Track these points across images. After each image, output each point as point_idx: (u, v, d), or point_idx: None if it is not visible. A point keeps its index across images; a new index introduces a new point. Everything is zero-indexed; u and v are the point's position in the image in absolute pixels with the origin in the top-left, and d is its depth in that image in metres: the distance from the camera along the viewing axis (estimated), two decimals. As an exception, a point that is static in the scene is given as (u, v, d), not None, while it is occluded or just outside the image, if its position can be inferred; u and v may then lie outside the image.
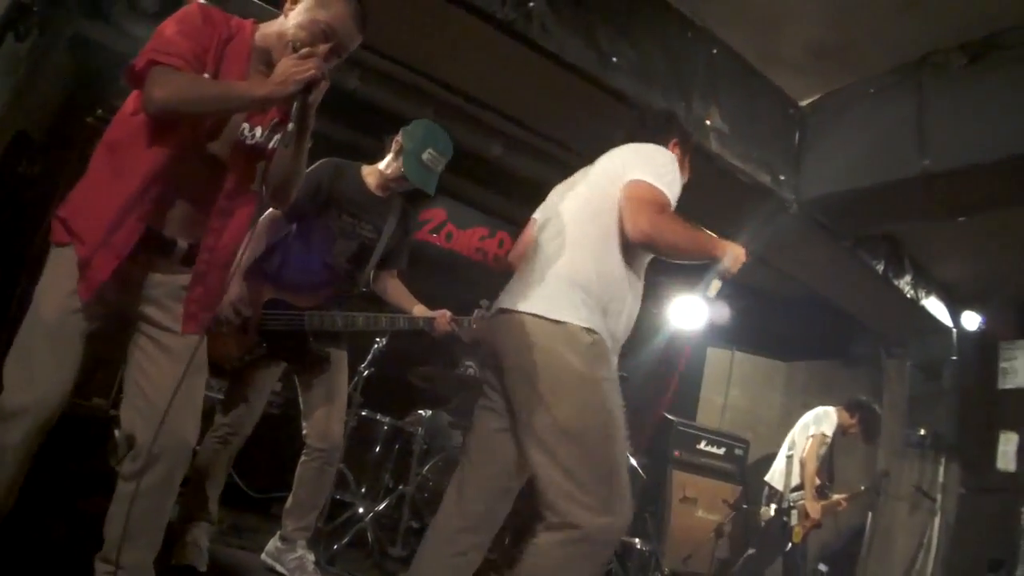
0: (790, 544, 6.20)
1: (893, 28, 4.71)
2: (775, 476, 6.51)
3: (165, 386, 2.40)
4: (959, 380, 7.41)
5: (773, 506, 6.39)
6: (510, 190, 7.35)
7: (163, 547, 2.56)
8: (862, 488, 7.00)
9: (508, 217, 8.15)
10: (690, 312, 6.74)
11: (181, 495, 3.40)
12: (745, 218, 5.45)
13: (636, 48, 4.63)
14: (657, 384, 7.80)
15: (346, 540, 4.75)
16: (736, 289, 7.05)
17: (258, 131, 2.56)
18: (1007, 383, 7.07)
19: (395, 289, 4.16)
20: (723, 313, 2.95)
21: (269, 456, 4.87)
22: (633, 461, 6.62)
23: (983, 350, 7.33)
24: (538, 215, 3.25)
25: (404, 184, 3.88)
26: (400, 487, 5.19)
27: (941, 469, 7.35)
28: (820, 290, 7.14)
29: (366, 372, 5.31)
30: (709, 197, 5.88)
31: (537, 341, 2.66)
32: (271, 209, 3.63)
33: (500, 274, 8.10)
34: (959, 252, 6.70)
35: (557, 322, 2.65)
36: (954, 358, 7.42)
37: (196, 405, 2.54)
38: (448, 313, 3.88)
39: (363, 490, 5.45)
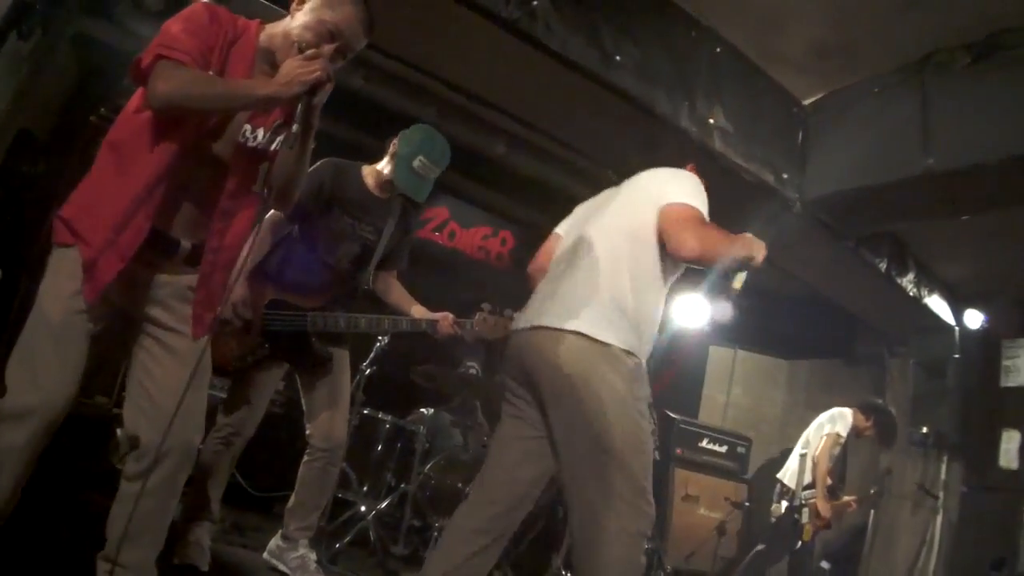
0: (800, 542, 6.20)
1: (896, 27, 4.70)
2: (788, 474, 6.51)
3: (170, 387, 2.40)
4: (962, 378, 7.41)
5: (784, 503, 6.39)
6: (513, 189, 7.35)
7: (165, 546, 2.56)
8: (872, 491, 7.01)
9: (511, 216, 8.15)
10: (693, 310, 6.74)
11: (184, 494, 3.40)
12: (748, 217, 5.43)
13: (639, 47, 4.63)
14: (658, 381, 7.80)
15: (348, 539, 4.75)
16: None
17: (260, 133, 2.55)
18: (1010, 381, 7.06)
19: (395, 290, 4.15)
20: (728, 309, 2.92)
21: (271, 455, 4.88)
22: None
23: (986, 348, 7.33)
24: (562, 231, 3.34)
25: (394, 189, 3.89)
26: (402, 486, 5.19)
27: (944, 467, 7.36)
28: (823, 289, 7.14)
29: (368, 371, 5.31)
30: (712, 196, 5.88)
31: (583, 361, 2.74)
32: (273, 210, 3.63)
33: (503, 273, 8.15)
34: (962, 251, 6.69)
35: (603, 343, 2.73)
36: (957, 356, 7.41)
37: (200, 406, 2.54)
38: (451, 316, 3.87)
39: (365, 489, 5.45)
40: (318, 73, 2.31)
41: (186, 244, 2.49)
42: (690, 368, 9.22)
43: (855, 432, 6.51)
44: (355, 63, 5.51)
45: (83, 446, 4.16)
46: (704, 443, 7.97)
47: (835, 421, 6.48)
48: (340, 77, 2.42)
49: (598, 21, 4.42)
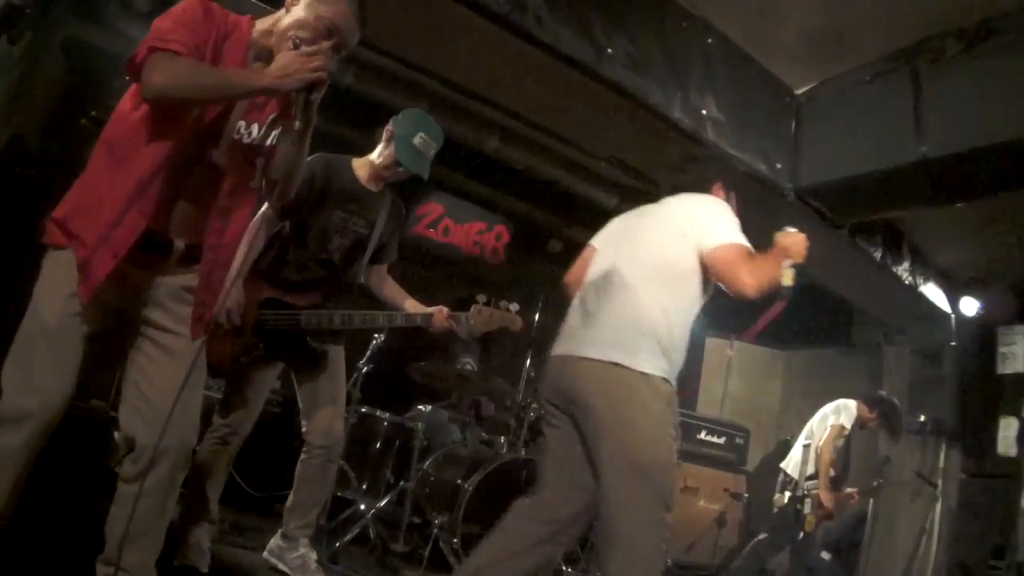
0: (802, 532, 6.21)
1: (888, 14, 4.70)
2: (791, 464, 6.50)
3: (166, 387, 2.40)
4: (959, 366, 7.42)
5: (787, 493, 6.39)
6: (507, 183, 7.35)
7: (165, 548, 2.55)
8: (875, 484, 7.01)
9: (506, 210, 8.15)
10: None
11: (181, 496, 3.39)
12: (742, 207, 5.44)
13: (631, 39, 4.62)
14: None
15: (348, 537, 4.75)
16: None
17: (255, 128, 2.54)
18: (1006, 368, 7.07)
19: (387, 284, 4.14)
20: (782, 305, 3.18)
21: (270, 455, 4.87)
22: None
23: (982, 335, 7.34)
24: (598, 244, 3.55)
25: (397, 171, 3.86)
26: (401, 483, 5.18)
27: (942, 455, 7.37)
28: (818, 278, 7.13)
29: (365, 368, 5.30)
30: (707, 186, 5.88)
31: (621, 390, 2.96)
32: (264, 208, 3.62)
33: (498, 268, 8.14)
34: (957, 238, 6.69)
35: (640, 372, 2.95)
36: (953, 344, 7.43)
37: (196, 405, 2.54)
38: (445, 309, 3.86)
39: (364, 487, 5.44)
40: (321, 71, 2.32)
41: (180, 244, 2.47)
42: (687, 360, 9.22)
43: (859, 424, 6.51)
44: (346, 60, 5.52)
45: (80, 449, 4.16)
46: (702, 435, 7.96)
47: (839, 413, 6.48)
48: (332, 75, 2.41)
49: (589, 13, 4.41)
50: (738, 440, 8.19)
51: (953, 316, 7.38)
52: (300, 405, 3.88)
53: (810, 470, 6.35)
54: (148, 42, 2.26)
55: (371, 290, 4.15)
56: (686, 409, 8.30)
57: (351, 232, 3.86)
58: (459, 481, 4.95)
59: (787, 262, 3.00)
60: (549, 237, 8.35)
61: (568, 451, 3.18)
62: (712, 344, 9.93)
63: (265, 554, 3.94)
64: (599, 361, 3.01)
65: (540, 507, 3.21)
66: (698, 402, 9.62)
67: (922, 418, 7.38)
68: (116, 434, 2.44)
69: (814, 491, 6.21)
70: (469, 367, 6.00)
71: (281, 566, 3.85)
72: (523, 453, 5.44)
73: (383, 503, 5.10)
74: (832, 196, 5.48)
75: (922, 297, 6.98)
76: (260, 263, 3.73)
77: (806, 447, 6.46)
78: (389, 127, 3.87)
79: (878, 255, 6.35)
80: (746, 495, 7.66)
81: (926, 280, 6.99)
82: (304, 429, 3.87)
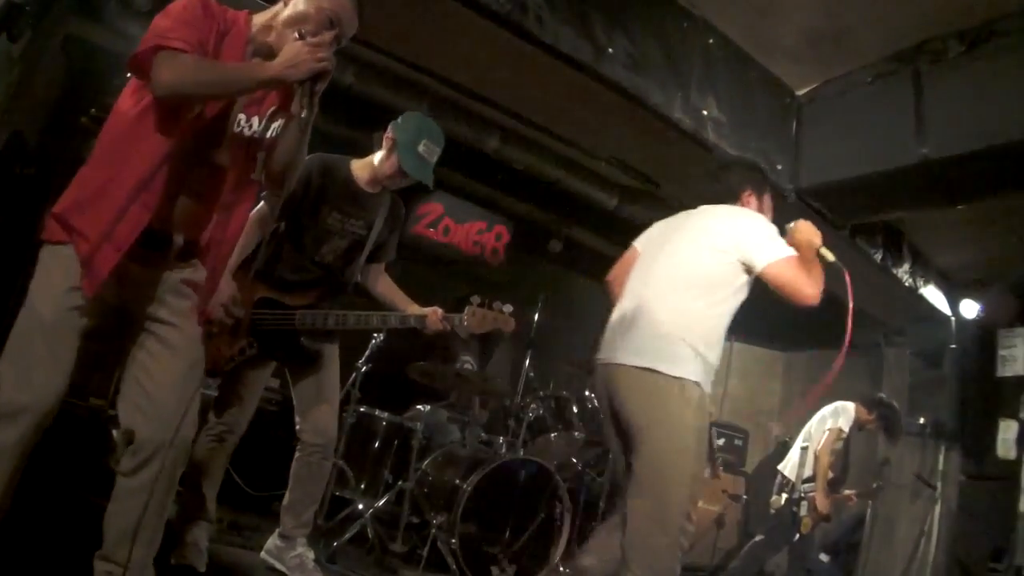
0: (798, 534, 6.20)
1: (889, 15, 4.69)
2: (788, 466, 6.50)
3: (166, 381, 2.42)
4: (959, 368, 7.42)
5: (784, 496, 6.38)
6: (507, 183, 7.35)
7: (162, 548, 2.55)
8: (873, 486, 7.01)
9: (506, 210, 8.15)
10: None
11: (179, 495, 3.39)
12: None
13: (631, 39, 4.61)
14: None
15: (346, 537, 4.73)
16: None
17: (255, 121, 2.56)
18: (1006, 371, 7.05)
19: (384, 285, 4.13)
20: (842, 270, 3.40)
21: (267, 453, 4.86)
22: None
23: (982, 338, 7.33)
24: (640, 247, 3.74)
25: (402, 179, 3.84)
26: (400, 483, 5.17)
27: (941, 457, 7.37)
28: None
29: (364, 368, 5.30)
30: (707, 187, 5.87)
31: (657, 395, 3.16)
32: (260, 206, 3.62)
33: (498, 268, 8.13)
34: (958, 240, 6.69)
35: (676, 378, 3.13)
36: (953, 346, 7.43)
37: (195, 398, 2.53)
38: (440, 311, 3.86)
39: (362, 486, 5.44)
40: (326, 61, 2.36)
41: (179, 240, 2.48)
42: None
43: (857, 426, 6.49)
44: (347, 59, 5.54)
45: (79, 447, 4.16)
46: (702, 436, 7.93)
47: (838, 415, 6.46)
48: (332, 74, 2.43)
49: (590, 13, 4.40)
50: (737, 442, 8.19)
51: (953, 318, 7.38)
52: (295, 403, 3.87)
53: (807, 473, 6.34)
54: (151, 40, 2.27)
55: (368, 290, 4.14)
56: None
57: (348, 234, 3.85)
58: (458, 481, 4.94)
59: (814, 248, 3.30)
60: (549, 237, 8.36)
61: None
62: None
63: (263, 554, 3.93)
64: (635, 367, 3.20)
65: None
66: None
67: (922, 420, 7.38)
68: (115, 432, 2.43)
69: (811, 494, 6.20)
70: (468, 366, 6.00)
71: (279, 566, 3.84)
72: (522, 453, 5.44)
73: (381, 503, 5.08)
74: (833, 197, 5.48)
75: (922, 299, 6.98)
76: (256, 262, 3.71)
77: (804, 449, 6.45)
78: (390, 134, 3.83)
79: (878, 257, 6.34)
80: (744, 496, 7.65)
81: (926, 282, 6.98)
82: (299, 427, 3.86)
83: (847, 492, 6.56)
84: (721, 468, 7.51)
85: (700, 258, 3.33)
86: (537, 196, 7.58)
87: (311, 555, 3.88)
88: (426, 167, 3.81)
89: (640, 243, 3.77)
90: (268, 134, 2.60)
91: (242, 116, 2.52)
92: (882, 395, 6.78)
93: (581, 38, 4.37)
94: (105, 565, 2.40)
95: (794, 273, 3.19)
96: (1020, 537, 6.02)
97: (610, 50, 4.50)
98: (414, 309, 3.93)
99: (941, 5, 4.52)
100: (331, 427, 3.88)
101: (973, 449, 7.18)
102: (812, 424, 6.57)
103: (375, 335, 5.34)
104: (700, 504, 7.46)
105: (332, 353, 3.90)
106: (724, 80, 5.12)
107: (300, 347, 3.73)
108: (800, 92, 5.60)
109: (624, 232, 7.85)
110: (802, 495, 6.26)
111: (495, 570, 4.83)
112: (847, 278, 3.35)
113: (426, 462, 5.34)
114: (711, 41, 5.07)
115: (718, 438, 8.01)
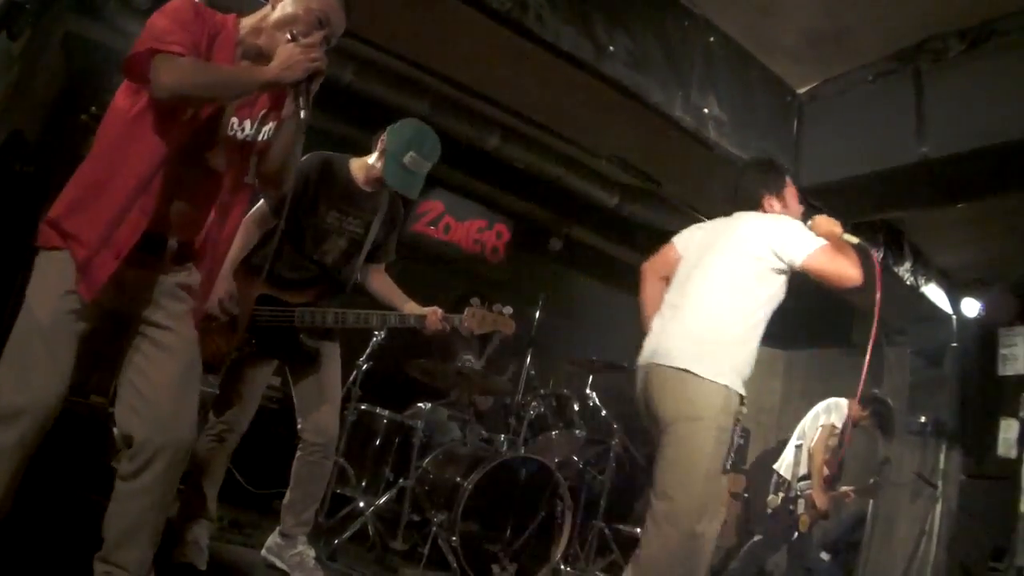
0: (796, 533, 6.20)
1: (890, 14, 4.68)
2: (784, 465, 6.49)
3: (162, 383, 2.42)
4: (959, 367, 7.41)
5: (781, 494, 6.38)
6: (508, 181, 7.35)
7: (163, 546, 2.55)
8: (871, 481, 7.01)
9: (506, 208, 8.15)
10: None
11: (180, 493, 3.39)
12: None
13: (632, 37, 4.61)
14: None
15: (347, 535, 4.74)
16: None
17: (247, 124, 2.58)
18: (1007, 370, 7.04)
19: (384, 284, 4.13)
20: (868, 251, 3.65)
21: (268, 452, 4.86)
22: (633, 450, 6.65)
23: (983, 337, 7.31)
24: (680, 247, 3.83)
25: (386, 185, 3.87)
26: (400, 481, 5.17)
27: (942, 456, 7.35)
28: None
29: (364, 366, 5.30)
30: (708, 186, 5.87)
31: (691, 395, 3.28)
32: (259, 204, 3.62)
33: (498, 266, 8.12)
34: (958, 239, 6.68)
35: (710, 380, 3.26)
36: (954, 345, 7.41)
37: (192, 401, 2.54)
38: (439, 311, 3.87)
39: (363, 484, 5.44)
40: (320, 61, 2.40)
41: (173, 243, 2.49)
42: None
43: (851, 422, 6.49)
44: (346, 57, 5.54)
45: (80, 446, 4.16)
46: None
47: (830, 412, 6.46)
48: (331, 72, 2.46)
49: (590, 11, 4.40)
50: (738, 440, 8.18)
51: (954, 317, 7.36)
52: (296, 403, 3.88)
53: (803, 471, 6.34)
54: (147, 43, 2.28)
55: (368, 290, 4.14)
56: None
57: (346, 233, 3.86)
58: (458, 479, 4.94)
59: (838, 236, 3.47)
60: (550, 235, 8.36)
61: None
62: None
63: (263, 552, 3.94)
64: (670, 367, 3.34)
65: None
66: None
67: (922, 419, 7.36)
68: (116, 431, 2.43)
69: (807, 491, 6.20)
70: (469, 364, 6.00)
71: (279, 564, 3.85)
72: (523, 451, 5.44)
73: (382, 501, 5.08)
74: (833, 196, 5.46)
75: (923, 298, 6.96)
76: (254, 260, 3.71)
77: (798, 448, 6.45)
78: (383, 138, 3.85)
79: (879, 256, 6.33)
80: (746, 495, 7.65)
81: (927, 281, 6.97)
82: (300, 426, 3.87)
83: (844, 489, 6.55)
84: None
85: (736, 266, 3.46)
86: (538, 194, 7.58)
87: (312, 553, 3.88)
88: (409, 178, 3.81)
89: (680, 244, 3.86)
90: (261, 137, 2.62)
91: (234, 119, 2.54)
92: (876, 391, 6.78)
93: (582, 36, 4.36)
94: (105, 567, 2.41)
95: (832, 258, 3.34)
96: (1021, 536, 6.02)
97: (611, 48, 4.49)
98: (414, 308, 3.94)
99: (942, 4, 4.51)
100: (332, 426, 3.88)
101: (974, 448, 7.17)
102: (805, 422, 6.57)
103: (376, 333, 5.35)
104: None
105: (333, 352, 3.91)
106: (725, 79, 5.11)
107: (299, 344, 3.74)
108: (801, 91, 5.59)
109: (624, 230, 7.92)
110: (798, 493, 6.26)
111: (496, 568, 4.83)
112: (875, 258, 3.57)
113: (427, 460, 5.34)
114: (712, 40, 5.06)
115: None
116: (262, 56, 2.47)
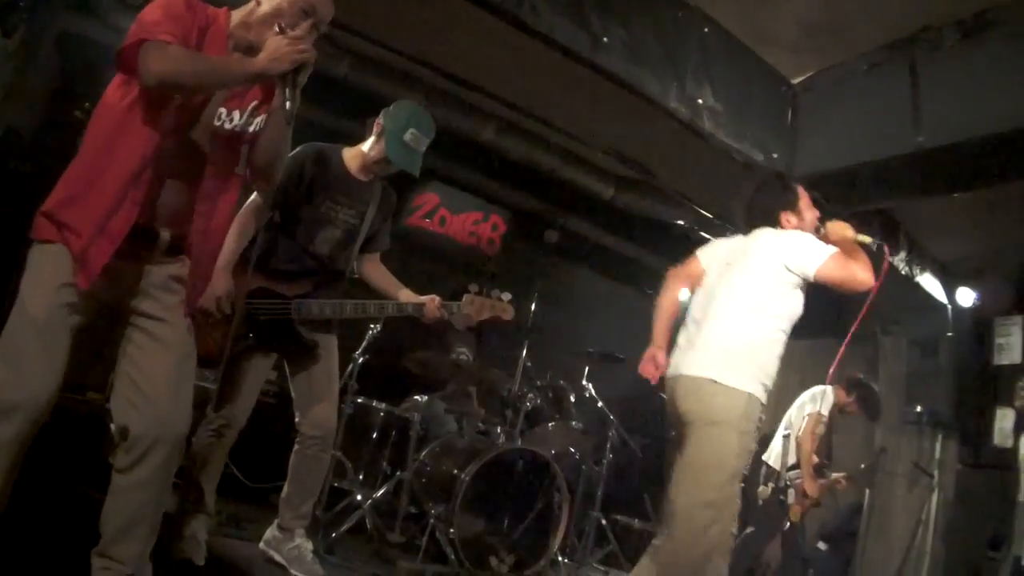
0: (788, 523, 6.21)
1: (885, 5, 4.68)
2: (772, 455, 6.50)
3: (157, 376, 2.43)
4: (955, 357, 7.40)
5: (771, 485, 6.39)
6: (503, 173, 7.34)
7: (161, 541, 2.55)
8: (862, 467, 7.01)
9: (502, 200, 8.13)
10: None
11: (178, 488, 3.39)
12: (739, 196, 5.43)
13: (627, 28, 4.60)
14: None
15: (344, 528, 4.74)
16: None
17: (236, 115, 2.59)
18: (1003, 359, 7.04)
19: (379, 274, 4.13)
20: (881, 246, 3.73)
21: (266, 446, 4.87)
22: (630, 441, 6.65)
23: (978, 326, 7.31)
24: (704, 262, 3.98)
25: (387, 166, 3.86)
26: (398, 473, 5.18)
27: (938, 445, 7.36)
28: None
29: (361, 359, 5.30)
30: (703, 176, 5.87)
31: (716, 402, 3.44)
32: (253, 197, 3.62)
33: (494, 258, 8.10)
34: (953, 228, 6.68)
35: (735, 389, 3.42)
36: (950, 335, 7.41)
37: (187, 393, 2.54)
38: (437, 299, 3.87)
39: (360, 477, 5.45)
40: (308, 52, 2.40)
41: (165, 235, 2.50)
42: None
43: (837, 409, 6.50)
44: (341, 50, 5.52)
45: (76, 442, 4.15)
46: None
47: (816, 400, 6.46)
48: (326, 65, 2.46)
49: (585, 2, 4.40)
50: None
51: (949, 307, 7.36)
52: (293, 395, 3.88)
53: (791, 460, 6.35)
54: (137, 33, 2.31)
55: (363, 279, 4.14)
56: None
57: (341, 223, 3.86)
58: (456, 471, 4.94)
59: (850, 240, 3.61)
60: (545, 227, 8.34)
61: None
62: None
63: (261, 545, 3.93)
64: (695, 376, 3.51)
65: None
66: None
67: (918, 408, 7.36)
68: (112, 426, 2.43)
69: (797, 480, 6.21)
70: (464, 357, 6.00)
71: (277, 557, 3.85)
72: (519, 443, 5.44)
73: (380, 493, 5.09)
74: (829, 186, 5.46)
75: (918, 287, 6.97)
76: (249, 253, 3.71)
77: (786, 437, 6.46)
78: (379, 120, 3.86)
79: (875, 245, 6.33)
80: (743, 485, 7.65)
81: (923, 270, 6.97)
82: (297, 419, 3.87)
83: (836, 475, 6.54)
84: None
85: (757, 282, 3.61)
86: (533, 186, 7.57)
87: (309, 546, 3.88)
88: (412, 156, 3.82)
89: (704, 259, 3.99)
90: (251, 128, 2.63)
91: (223, 110, 2.56)
92: (860, 375, 6.77)
93: (576, 27, 4.36)
94: (103, 562, 2.41)
95: (844, 265, 3.47)
96: (1018, 525, 6.03)
97: (606, 40, 4.49)
98: (409, 296, 3.94)
99: (937, -6, 4.52)
100: (330, 420, 3.88)
101: (970, 437, 7.16)
102: (792, 411, 6.57)
103: (372, 326, 5.34)
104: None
105: (330, 345, 3.90)
106: (720, 69, 5.11)
107: (296, 336, 3.73)
108: (796, 81, 5.59)
109: (620, 222, 7.91)
110: (788, 483, 6.27)
111: (493, 560, 4.83)
112: (887, 252, 3.67)
113: (424, 452, 5.34)
114: (707, 30, 5.06)
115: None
116: (253, 49, 2.47)
